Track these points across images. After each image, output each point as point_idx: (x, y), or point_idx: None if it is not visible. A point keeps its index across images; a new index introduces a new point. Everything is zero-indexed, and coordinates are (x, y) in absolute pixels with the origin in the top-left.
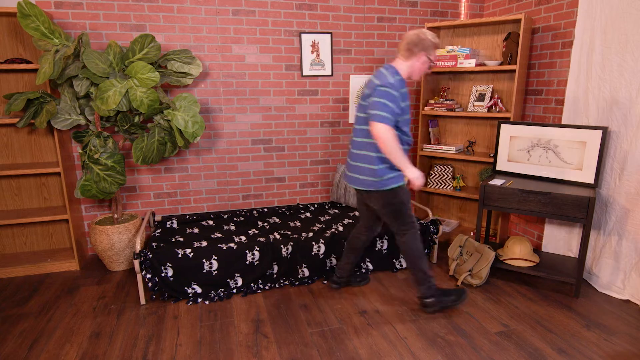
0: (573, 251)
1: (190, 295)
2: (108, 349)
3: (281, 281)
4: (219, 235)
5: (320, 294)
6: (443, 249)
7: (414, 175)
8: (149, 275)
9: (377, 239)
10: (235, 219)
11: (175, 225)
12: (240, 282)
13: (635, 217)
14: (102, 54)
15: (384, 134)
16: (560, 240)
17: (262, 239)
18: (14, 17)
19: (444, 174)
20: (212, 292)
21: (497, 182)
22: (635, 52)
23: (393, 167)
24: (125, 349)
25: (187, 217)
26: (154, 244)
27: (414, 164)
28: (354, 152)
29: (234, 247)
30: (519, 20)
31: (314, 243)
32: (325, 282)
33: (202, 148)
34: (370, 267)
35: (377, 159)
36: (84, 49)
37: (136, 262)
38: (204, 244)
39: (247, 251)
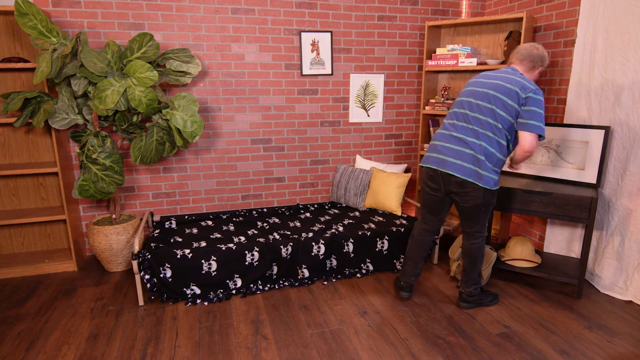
0: (575, 252)
1: (189, 296)
2: (106, 350)
3: (281, 282)
4: (218, 235)
5: (320, 294)
6: (444, 249)
7: (517, 167)
8: (147, 276)
9: (378, 239)
10: (234, 219)
11: (174, 226)
12: (239, 282)
13: (638, 217)
14: (100, 53)
15: (534, 148)
16: (562, 240)
17: (261, 240)
18: (11, 15)
19: None
20: (211, 293)
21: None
22: (638, 51)
23: (497, 173)
24: (123, 350)
25: (186, 217)
26: (152, 244)
27: (415, 164)
28: (468, 139)
29: (233, 248)
30: (520, 19)
31: (313, 243)
32: (397, 293)
33: (201, 148)
34: (371, 267)
35: (498, 160)
36: (81, 48)
37: (134, 263)
38: (203, 244)
39: (246, 252)
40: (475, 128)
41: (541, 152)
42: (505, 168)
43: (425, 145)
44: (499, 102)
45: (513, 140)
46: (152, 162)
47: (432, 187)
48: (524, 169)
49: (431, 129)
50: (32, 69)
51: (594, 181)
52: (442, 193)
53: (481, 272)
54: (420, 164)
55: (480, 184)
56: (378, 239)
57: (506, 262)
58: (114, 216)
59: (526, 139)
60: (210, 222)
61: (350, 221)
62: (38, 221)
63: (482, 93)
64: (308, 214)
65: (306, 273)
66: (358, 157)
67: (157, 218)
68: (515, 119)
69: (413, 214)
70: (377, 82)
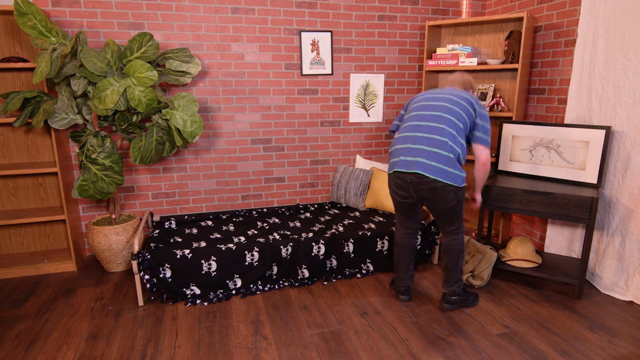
0: (576, 252)
1: (189, 296)
2: (106, 350)
3: (281, 282)
4: (218, 235)
5: (320, 295)
6: None
7: (480, 199)
8: (147, 276)
9: (378, 239)
10: (234, 219)
11: (173, 226)
12: (239, 283)
13: (638, 218)
14: (99, 53)
15: (489, 161)
16: (562, 241)
17: (261, 240)
18: (11, 15)
19: None
20: (211, 293)
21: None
22: (639, 51)
23: (462, 168)
24: (123, 350)
25: (186, 217)
26: (152, 244)
27: None
28: (435, 137)
29: (233, 248)
30: (521, 19)
31: (314, 244)
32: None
33: (201, 148)
34: (371, 268)
35: (463, 158)
36: (81, 48)
37: (134, 263)
38: (203, 244)
39: (246, 252)
40: (441, 126)
41: (542, 152)
42: (467, 196)
43: None
44: (457, 108)
45: (465, 149)
46: (152, 162)
47: (402, 195)
48: (524, 168)
49: None
50: (32, 69)
51: (594, 181)
52: (413, 199)
53: (462, 269)
54: (388, 172)
55: (451, 183)
56: (378, 239)
57: (507, 262)
58: (113, 216)
59: (483, 152)
60: (210, 222)
61: (351, 221)
62: (37, 221)
63: (438, 101)
64: (308, 214)
65: (306, 273)
66: (358, 157)
67: (156, 218)
68: (471, 127)
69: None
70: (377, 81)
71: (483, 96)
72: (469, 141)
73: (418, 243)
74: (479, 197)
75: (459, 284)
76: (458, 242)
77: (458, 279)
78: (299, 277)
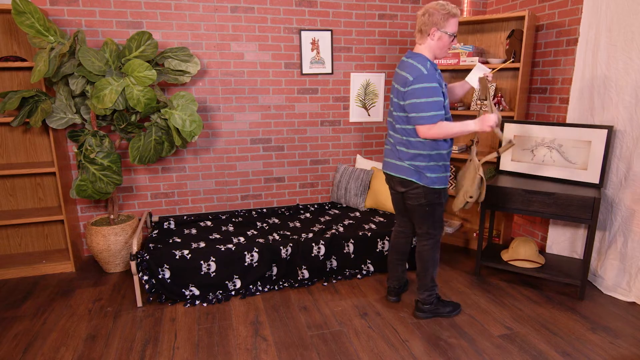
0: (578, 252)
1: (188, 297)
2: (104, 352)
3: (280, 283)
4: (217, 236)
5: (320, 296)
6: (446, 250)
7: (484, 123)
8: (145, 277)
9: (378, 240)
10: (233, 219)
11: (172, 226)
12: (238, 284)
13: None
14: (98, 52)
15: (436, 134)
16: (564, 241)
17: (261, 240)
18: (9, 14)
19: None
20: (210, 294)
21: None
22: None
23: (439, 169)
24: (121, 352)
25: (185, 217)
26: (151, 245)
27: None
28: (396, 148)
29: (233, 249)
30: (522, 18)
31: (314, 244)
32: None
33: (200, 147)
34: (372, 268)
35: (427, 156)
36: (79, 47)
37: (133, 264)
38: (202, 245)
39: (245, 252)
40: (390, 119)
41: (543, 152)
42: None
43: None
44: (395, 91)
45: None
46: (151, 162)
47: (390, 189)
48: (526, 168)
49: None
50: (30, 68)
51: (596, 181)
52: (398, 194)
53: (434, 278)
54: None
55: (414, 180)
56: (379, 240)
57: (509, 262)
58: (112, 217)
59: (420, 131)
60: (209, 223)
61: (351, 222)
62: (35, 222)
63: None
64: (308, 215)
65: (306, 274)
66: (358, 156)
67: (155, 218)
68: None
69: None
70: (377, 81)
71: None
72: None
73: (414, 246)
74: (475, 127)
75: (430, 292)
76: (426, 249)
77: (429, 287)
78: (298, 278)
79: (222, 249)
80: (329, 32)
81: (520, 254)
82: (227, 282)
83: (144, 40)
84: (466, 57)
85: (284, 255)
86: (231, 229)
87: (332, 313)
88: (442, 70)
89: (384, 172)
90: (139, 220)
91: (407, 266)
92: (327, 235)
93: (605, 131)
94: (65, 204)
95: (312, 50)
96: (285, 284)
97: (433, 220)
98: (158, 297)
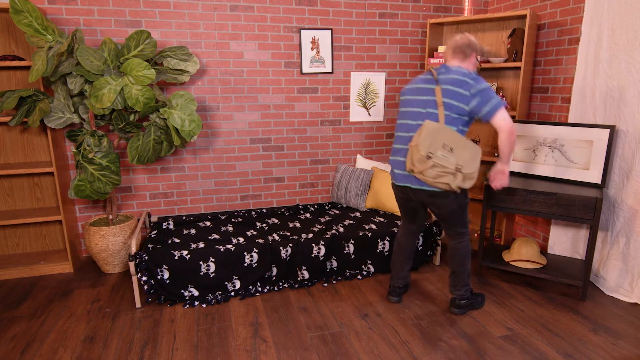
0: (580, 253)
1: (187, 298)
2: (103, 353)
3: (280, 284)
4: (217, 236)
5: (320, 296)
6: (445, 250)
7: (507, 172)
8: (144, 278)
9: (379, 240)
10: (233, 220)
11: (171, 227)
12: (238, 284)
13: None
14: (96, 51)
15: (512, 128)
16: (566, 241)
17: (260, 241)
18: (7, 12)
19: None
20: (210, 295)
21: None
22: None
23: None
24: (120, 353)
25: (184, 218)
26: (149, 245)
27: None
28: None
29: (232, 249)
30: (524, 16)
31: (314, 245)
32: (388, 298)
33: (199, 147)
34: (372, 269)
35: None
36: (77, 46)
37: (131, 264)
38: (201, 245)
39: (245, 253)
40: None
41: (545, 152)
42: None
43: None
44: (448, 98)
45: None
46: (150, 162)
47: (404, 198)
48: (527, 168)
49: None
50: (28, 67)
51: (598, 181)
52: (415, 203)
53: (470, 273)
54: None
55: (444, 189)
56: (379, 240)
57: (511, 263)
58: (110, 217)
59: (500, 122)
60: (208, 223)
61: (351, 222)
62: (33, 222)
63: (419, 94)
64: (308, 215)
65: (306, 275)
66: (359, 156)
67: (154, 219)
68: (474, 108)
69: None
70: (378, 80)
71: None
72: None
73: (420, 244)
74: (506, 169)
75: (467, 287)
76: (463, 246)
77: (466, 283)
78: (298, 279)
79: (222, 250)
80: (329, 31)
81: (522, 254)
82: (226, 282)
83: (143, 39)
84: None
85: (283, 255)
86: (230, 229)
87: (332, 314)
88: None
89: (399, 185)
90: (138, 220)
91: (411, 265)
92: (327, 236)
93: (607, 131)
94: (63, 204)
95: (312, 49)
96: (285, 285)
97: (464, 219)
98: (157, 298)
